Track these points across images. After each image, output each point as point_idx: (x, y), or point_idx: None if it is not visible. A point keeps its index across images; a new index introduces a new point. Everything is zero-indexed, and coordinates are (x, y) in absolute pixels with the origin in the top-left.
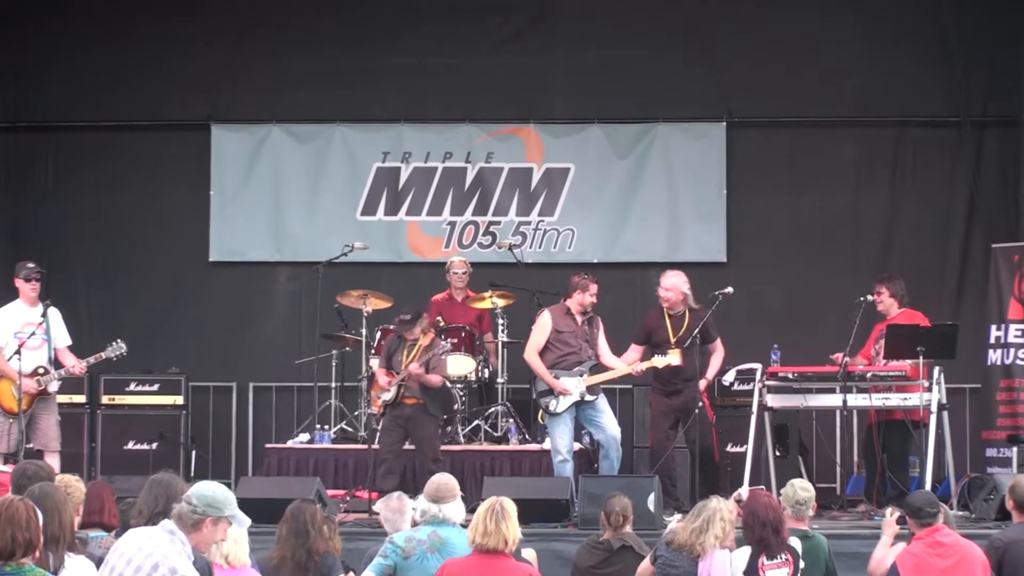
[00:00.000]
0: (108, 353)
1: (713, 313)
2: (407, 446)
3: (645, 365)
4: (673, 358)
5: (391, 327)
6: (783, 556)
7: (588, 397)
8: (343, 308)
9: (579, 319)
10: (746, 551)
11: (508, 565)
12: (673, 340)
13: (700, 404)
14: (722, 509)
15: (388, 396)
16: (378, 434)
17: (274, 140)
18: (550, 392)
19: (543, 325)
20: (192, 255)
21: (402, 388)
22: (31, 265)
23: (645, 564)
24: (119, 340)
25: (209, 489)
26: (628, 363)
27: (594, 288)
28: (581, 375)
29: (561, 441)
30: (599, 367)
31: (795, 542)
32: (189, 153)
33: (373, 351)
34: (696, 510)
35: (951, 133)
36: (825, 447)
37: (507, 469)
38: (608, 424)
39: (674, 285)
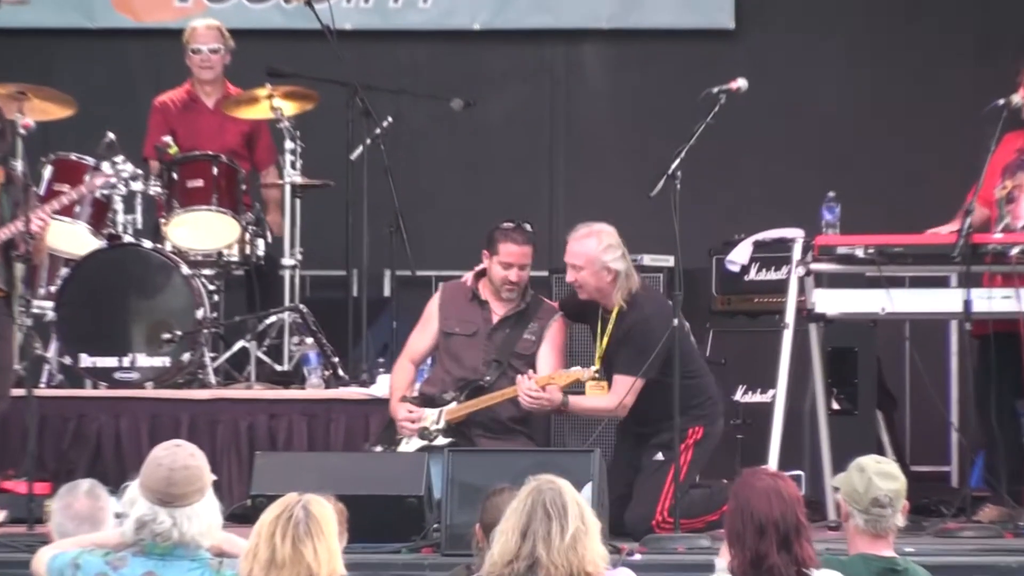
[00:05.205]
0: None
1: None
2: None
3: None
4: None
5: (72, 156)
6: None
7: (441, 441)
8: None
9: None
10: None
11: None
12: (597, 355)
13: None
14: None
15: None
16: None
17: None
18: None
19: None
20: None
21: None
22: None
23: None
24: None
25: None
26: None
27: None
28: (446, 403)
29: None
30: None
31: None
32: None
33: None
34: (530, 504)
35: None
36: (931, 395)
37: (302, 436)
38: None
39: (582, 252)
